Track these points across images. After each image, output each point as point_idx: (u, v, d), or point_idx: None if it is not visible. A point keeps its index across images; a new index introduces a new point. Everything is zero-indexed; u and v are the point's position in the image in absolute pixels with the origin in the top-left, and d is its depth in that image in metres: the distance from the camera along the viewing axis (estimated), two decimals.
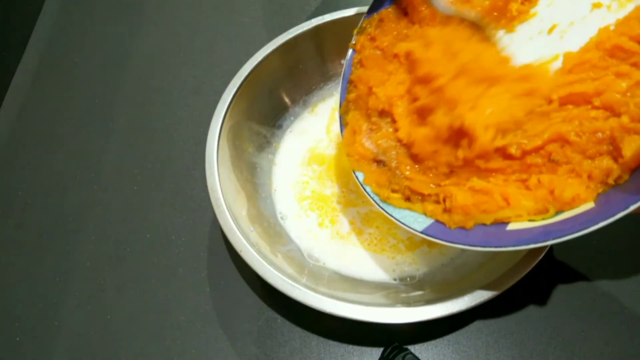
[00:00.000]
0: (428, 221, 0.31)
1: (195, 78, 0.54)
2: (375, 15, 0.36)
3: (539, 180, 0.27)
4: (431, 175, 0.32)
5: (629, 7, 0.28)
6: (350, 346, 0.38)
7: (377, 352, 0.37)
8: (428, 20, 0.34)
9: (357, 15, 0.41)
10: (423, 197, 0.32)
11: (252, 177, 0.43)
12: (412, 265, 0.39)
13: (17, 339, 0.40)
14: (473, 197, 0.28)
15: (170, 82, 0.54)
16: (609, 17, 0.28)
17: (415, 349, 0.37)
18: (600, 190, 0.26)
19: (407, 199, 0.32)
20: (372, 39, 0.36)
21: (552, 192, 0.26)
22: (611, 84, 0.26)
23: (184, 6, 0.60)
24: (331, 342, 0.38)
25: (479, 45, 0.31)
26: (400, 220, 0.32)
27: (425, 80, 0.32)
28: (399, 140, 0.34)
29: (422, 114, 0.32)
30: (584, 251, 0.40)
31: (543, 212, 0.27)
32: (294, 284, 0.32)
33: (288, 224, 0.42)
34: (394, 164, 0.33)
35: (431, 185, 0.32)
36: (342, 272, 0.39)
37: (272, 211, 0.43)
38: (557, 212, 0.26)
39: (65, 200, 0.47)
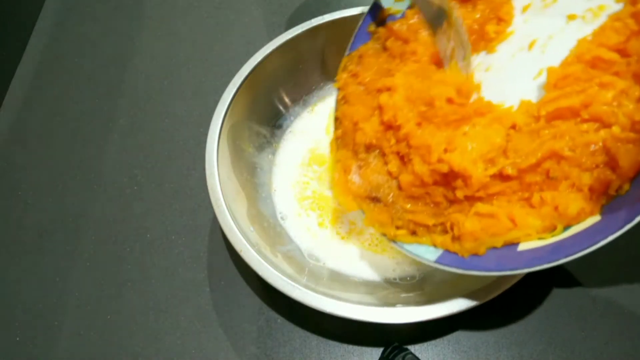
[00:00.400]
0: (439, 250, 0.31)
1: (195, 78, 0.54)
2: (355, 52, 0.37)
3: (541, 198, 0.27)
4: (432, 205, 0.31)
5: (602, 17, 0.28)
6: (350, 346, 0.38)
7: (377, 352, 0.37)
8: (408, 55, 0.34)
9: (358, 15, 0.41)
10: (429, 229, 0.31)
11: (252, 177, 0.43)
12: (412, 265, 0.39)
13: (17, 339, 0.40)
14: (480, 222, 0.28)
15: (170, 82, 0.54)
16: (586, 28, 0.28)
17: (415, 349, 0.37)
18: (603, 202, 0.26)
19: (414, 233, 0.32)
20: (354, 75, 0.36)
21: (556, 208, 0.27)
22: (597, 96, 0.26)
23: (184, 6, 0.60)
24: (331, 342, 0.38)
25: (442, 87, 0.30)
26: (413, 252, 0.31)
27: (391, 127, 0.32)
28: (390, 174, 0.33)
29: (402, 158, 0.32)
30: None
31: (551, 229, 0.27)
32: (294, 284, 0.32)
33: (288, 224, 0.42)
34: (390, 199, 0.32)
35: (434, 214, 0.31)
36: (342, 272, 0.39)
37: (272, 211, 0.43)
38: (565, 228, 0.27)
39: (65, 200, 0.47)
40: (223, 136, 0.39)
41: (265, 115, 0.45)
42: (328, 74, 0.47)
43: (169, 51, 0.56)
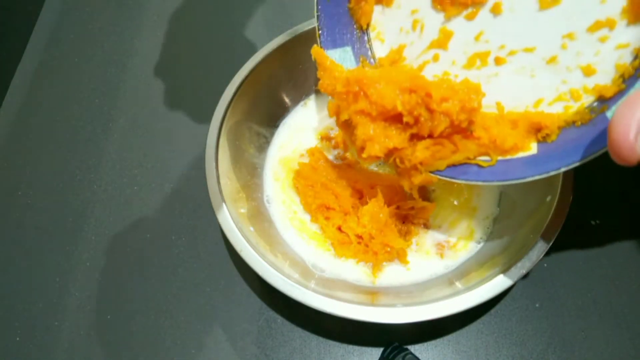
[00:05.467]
0: None
1: (195, 78, 0.54)
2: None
3: (483, 129, 0.31)
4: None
5: None
6: (350, 346, 0.38)
7: (377, 352, 0.37)
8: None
9: None
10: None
11: (252, 177, 0.43)
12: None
13: (17, 339, 0.40)
14: (429, 150, 0.32)
15: (170, 82, 0.54)
16: None
17: (415, 349, 0.37)
18: (534, 141, 0.31)
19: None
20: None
21: (494, 141, 0.31)
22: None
23: (184, 6, 0.60)
24: (331, 342, 0.38)
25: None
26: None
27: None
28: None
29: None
30: (584, 251, 0.40)
31: (485, 154, 0.32)
32: (293, 284, 0.32)
33: None
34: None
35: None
36: (340, 277, 0.39)
37: None
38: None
39: (65, 200, 0.47)
40: (223, 136, 0.39)
41: (265, 115, 0.45)
42: None
43: (169, 51, 0.56)
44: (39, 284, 0.42)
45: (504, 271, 0.31)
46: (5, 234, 0.45)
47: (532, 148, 0.31)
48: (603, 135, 0.26)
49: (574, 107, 0.30)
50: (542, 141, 0.31)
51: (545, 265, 0.40)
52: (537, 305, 0.38)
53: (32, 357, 0.39)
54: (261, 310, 0.40)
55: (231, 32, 0.57)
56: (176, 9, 0.60)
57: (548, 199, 0.34)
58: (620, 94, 0.28)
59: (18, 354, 0.39)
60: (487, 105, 0.32)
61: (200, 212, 0.45)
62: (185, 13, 0.60)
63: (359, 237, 0.38)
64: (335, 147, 0.45)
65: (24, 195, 0.47)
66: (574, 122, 0.29)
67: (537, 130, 0.31)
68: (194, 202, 0.45)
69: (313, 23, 0.42)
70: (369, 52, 0.37)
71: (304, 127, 0.46)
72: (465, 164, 0.33)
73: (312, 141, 0.46)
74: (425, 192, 0.42)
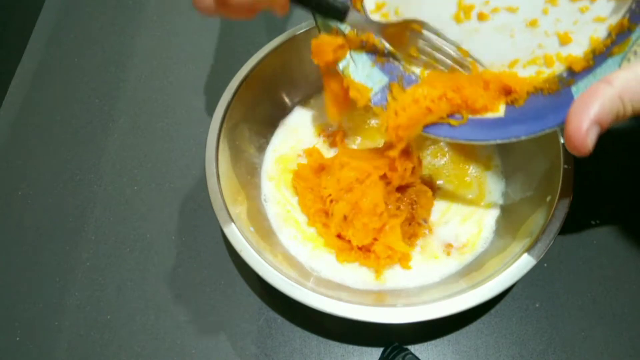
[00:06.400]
0: None
1: (195, 78, 0.54)
2: None
3: (457, 90, 0.33)
4: None
5: None
6: (350, 346, 0.38)
7: (377, 352, 0.37)
8: None
9: None
10: None
11: (252, 177, 0.43)
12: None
13: (17, 339, 0.40)
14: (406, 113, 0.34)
15: (170, 82, 0.54)
16: None
17: (415, 349, 0.37)
18: (503, 103, 0.33)
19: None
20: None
21: (465, 101, 0.33)
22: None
23: (184, 6, 0.60)
24: (331, 342, 0.38)
25: None
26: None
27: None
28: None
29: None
30: (584, 251, 0.40)
31: (457, 113, 0.34)
32: (293, 284, 0.32)
33: None
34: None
35: None
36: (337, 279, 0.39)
37: None
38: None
39: (65, 200, 0.47)
40: (223, 136, 0.39)
41: (265, 116, 0.45)
42: None
43: (169, 51, 0.56)
44: (39, 284, 0.42)
45: (504, 271, 0.31)
46: (5, 234, 0.45)
47: (500, 110, 0.33)
48: (563, 110, 0.28)
49: (545, 73, 0.32)
50: (510, 104, 0.32)
51: (545, 265, 0.40)
52: (537, 305, 0.38)
53: (32, 357, 0.39)
54: (261, 310, 0.40)
55: (231, 32, 0.57)
56: (176, 8, 0.60)
57: (548, 199, 0.34)
58: (588, 70, 0.29)
59: (18, 354, 0.39)
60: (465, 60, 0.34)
61: (200, 212, 0.45)
62: (185, 13, 0.60)
63: (360, 247, 0.38)
64: (333, 145, 0.45)
65: (24, 195, 0.47)
66: (541, 90, 0.31)
67: (507, 93, 0.32)
68: (194, 202, 0.45)
69: (312, 23, 0.42)
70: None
71: (302, 127, 0.46)
72: (438, 123, 0.34)
73: (311, 141, 0.45)
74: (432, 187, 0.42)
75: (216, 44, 0.56)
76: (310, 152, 0.43)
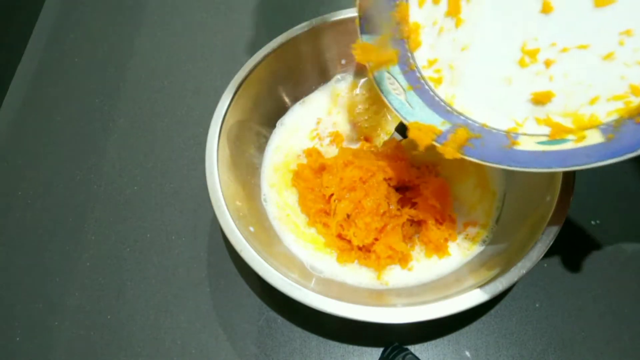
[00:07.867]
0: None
1: (195, 78, 0.54)
2: None
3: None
4: None
5: None
6: (350, 346, 0.38)
7: (377, 352, 0.37)
8: None
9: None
10: None
11: (252, 177, 0.43)
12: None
13: (17, 339, 0.40)
14: None
15: (170, 82, 0.54)
16: None
17: (415, 349, 0.37)
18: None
19: None
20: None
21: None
22: None
23: (184, 6, 0.60)
24: (331, 342, 0.38)
25: None
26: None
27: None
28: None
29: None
30: (584, 251, 0.40)
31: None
32: (293, 284, 0.32)
33: None
34: None
35: None
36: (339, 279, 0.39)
37: None
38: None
39: (65, 200, 0.47)
40: (223, 136, 0.39)
41: (265, 116, 0.45)
42: (328, 73, 0.47)
43: (169, 51, 0.56)
44: (39, 284, 0.42)
45: (504, 271, 0.31)
46: (5, 234, 0.45)
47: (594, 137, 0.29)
48: None
49: (634, 102, 0.29)
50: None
51: (545, 265, 0.40)
52: (537, 305, 0.38)
53: (32, 357, 0.39)
54: (261, 310, 0.40)
55: (231, 32, 0.57)
56: (176, 8, 0.60)
57: (548, 199, 0.34)
58: None
59: (18, 354, 0.39)
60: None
61: (200, 212, 0.45)
62: (185, 13, 0.60)
63: (360, 247, 0.38)
64: (331, 143, 0.45)
65: (24, 195, 0.47)
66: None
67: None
68: (194, 202, 0.45)
69: (312, 23, 0.42)
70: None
71: (302, 126, 0.46)
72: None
73: (310, 141, 0.45)
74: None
75: (216, 44, 0.56)
76: (310, 152, 0.43)
